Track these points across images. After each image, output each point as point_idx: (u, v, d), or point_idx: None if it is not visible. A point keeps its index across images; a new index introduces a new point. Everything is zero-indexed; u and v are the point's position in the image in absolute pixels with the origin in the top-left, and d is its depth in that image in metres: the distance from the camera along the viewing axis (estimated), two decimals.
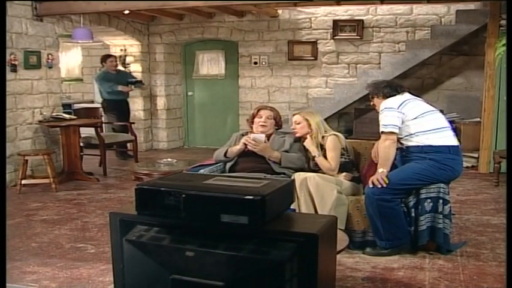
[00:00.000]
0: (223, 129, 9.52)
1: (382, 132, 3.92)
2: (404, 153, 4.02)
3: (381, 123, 3.95)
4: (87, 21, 7.43)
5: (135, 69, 9.06)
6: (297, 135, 4.58)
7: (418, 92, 8.09)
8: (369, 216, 3.98)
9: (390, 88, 4.13)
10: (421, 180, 3.88)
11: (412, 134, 3.92)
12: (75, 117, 6.94)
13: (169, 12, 8.52)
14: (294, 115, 4.66)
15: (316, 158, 4.43)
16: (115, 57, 8.40)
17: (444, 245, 3.99)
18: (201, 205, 2.30)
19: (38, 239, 4.43)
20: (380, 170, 3.91)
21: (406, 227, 3.97)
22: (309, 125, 4.50)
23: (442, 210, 3.91)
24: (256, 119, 4.70)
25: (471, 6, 7.55)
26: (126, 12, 6.91)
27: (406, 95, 4.10)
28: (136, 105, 9.15)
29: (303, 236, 2.25)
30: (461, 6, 7.63)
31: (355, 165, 4.63)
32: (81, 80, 10.15)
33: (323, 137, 4.49)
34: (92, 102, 9.82)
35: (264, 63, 8.86)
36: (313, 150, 4.44)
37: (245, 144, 4.46)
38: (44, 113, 6.68)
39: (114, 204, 5.52)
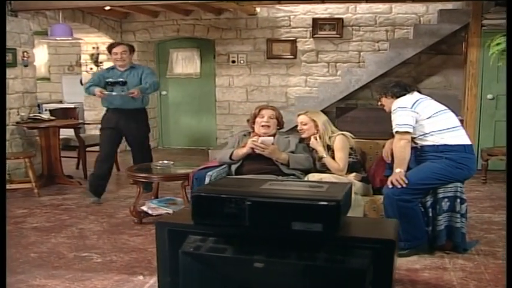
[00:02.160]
0: (198, 129, 9.32)
1: (396, 132, 3.85)
2: (419, 153, 3.97)
3: (394, 123, 3.88)
4: (59, 18, 7.08)
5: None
6: (304, 135, 4.48)
7: None
8: (388, 217, 3.89)
9: (399, 87, 4.08)
10: (440, 179, 3.84)
11: (426, 134, 3.87)
12: (53, 117, 6.59)
13: (144, 9, 8.25)
14: (299, 115, 4.55)
15: (324, 159, 4.33)
16: (123, 45, 5.65)
17: (461, 244, 3.97)
18: (270, 213, 2.15)
19: (36, 248, 4.15)
20: (397, 170, 3.84)
21: (424, 227, 3.93)
22: (316, 126, 4.40)
23: (460, 209, 3.89)
24: (258, 119, 4.55)
25: (449, 6, 7.60)
26: (107, 8, 6.62)
27: (417, 94, 4.05)
28: None
29: (379, 242, 2.13)
30: (440, 5, 7.68)
31: (362, 165, 4.56)
32: (48, 79, 9.71)
33: (330, 137, 4.39)
34: (61, 102, 9.42)
35: (242, 61, 8.71)
36: (321, 151, 4.35)
37: (252, 148, 4.31)
38: (22, 114, 6.32)
39: (106, 209, 5.26)
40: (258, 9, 8.48)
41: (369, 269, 2.07)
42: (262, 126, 4.50)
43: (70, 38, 6.55)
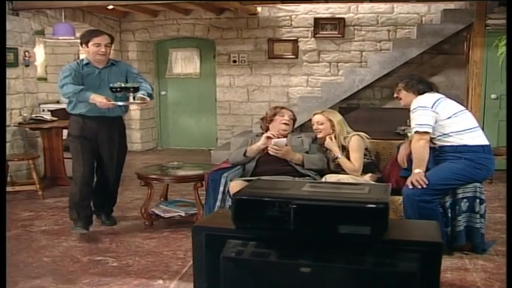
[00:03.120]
0: (197, 130, 9.25)
1: (416, 131, 3.80)
2: (437, 153, 3.93)
3: (414, 122, 3.84)
4: (62, 17, 6.98)
5: None
6: (320, 135, 4.43)
7: None
8: (407, 217, 3.85)
9: (423, 85, 4.04)
10: (459, 180, 3.81)
11: (445, 134, 3.83)
12: (55, 118, 6.47)
13: (143, 8, 8.16)
14: (315, 115, 4.49)
15: (338, 159, 4.28)
16: (106, 35, 4.42)
17: (480, 245, 3.94)
18: (316, 216, 2.09)
19: (48, 252, 4.05)
20: (416, 170, 3.80)
21: (443, 228, 3.88)
22: (332, 126, 4.35)
23: (479, 210, 3.87)
24: (278, 117, 4.50)
25: (451, 5, 7.60)
26: (110, 7, 6.53)
27: (437, 94, 4.01)
28: None
29: (427, 245, 2.08)
30: (442, 5, 7.68)
31: (376, 165, 4.52)
32: (45, 79, 9.57)
33: (345, 137, 4.35)
34: (58, 102, 9.28)
35: (243, 61, 8.64)
36: (336, 151, 4.30)
37: (267, 138, 4.26)
38: (24, 114, 6.21)
39: (115, 212, 5.13)
40: (259, 9, 8.42)
41: (419, 273, 2.02)
42: (284, 123, 4.46)
43: (73, 38, 6.43)
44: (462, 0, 7.24)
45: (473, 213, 3.85)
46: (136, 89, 4.27)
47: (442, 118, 3.82)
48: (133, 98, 4.28)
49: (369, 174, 4.28)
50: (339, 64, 8.36)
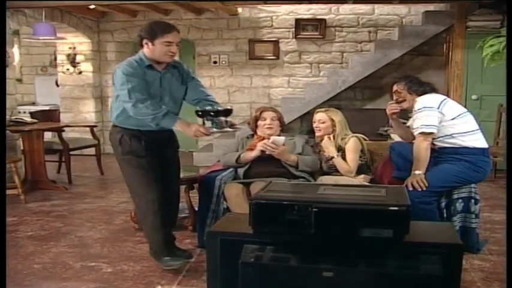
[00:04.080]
0: (177, 131, 9.09)
1: (422, 132, 3.77)
2: (437, 154, 3.92)
3: (419, 122, 3.79)
4: (41, 17, 6.82)
5: (86, 68, 8.49)
6: (319, 134, 4.38)
7: (381, 91, 8.21)
8: None
9: (425, 85, 4.01)
10: (458, 182, 3.82)
11: (448, 135, 3.82)
12: (36, 120, 6.32)
13: (122, 8, 8.04)
14: (317, 113, 4.44)
15: (334, 159, 4.26)
16: (177, 31, 3.48)
17: (476, 245, 3.96)
18: (338, 219, 2.05)
19: (38, 259, 3.93)
20: (417, 172, 3.78)
21: None
22: (333, 125, 4.32)
23: (474, 210, 3.88)
24: (260, 122, 4.44)
25: (431, 7, 7.67)
26: (92, 6, 6.40)
27: (441, 95, 3.99)
28: (87, 107, 8.57)
29: (449, 247, 2.07)
30: (422, 7, 7.75)
31: (369, 166, 4.51)
32: (20, 80, 9.34)
33: (342, 138, 4.33)
34: (34, 104, 9.09)
35: (223, 62, 8.58)
36: (332, 151, 4.27)
37: (262, 150, 4.20)
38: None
39: (101, 216, 5.06)
40: (239, 10, 8.37)
41: (442, 275, 2.00)
42: (267, 128, 4.40)
43: (53, 38, 6.28)
44: (443, 2, 7.30)
45: (469, 214, 3.86)
46: (228, 112, 3.50)
47: (447, 119, 3.80)
48: (226, 124, 3.49)
49: (362, 176, 4.27)
50: (320, 65, 8.37)
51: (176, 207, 3.97)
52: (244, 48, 8.50)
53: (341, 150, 4.29)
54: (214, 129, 3.47)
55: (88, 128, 7.42)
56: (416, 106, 3.86)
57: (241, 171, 4.30)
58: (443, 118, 3.78)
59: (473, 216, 3.87)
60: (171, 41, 3.40)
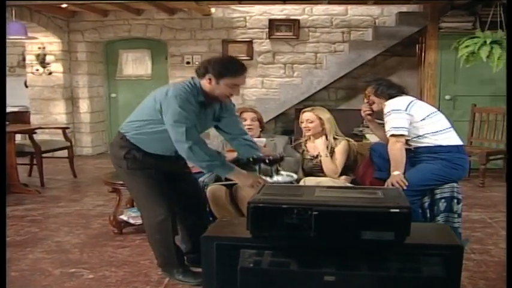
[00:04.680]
0: None
1: (392, 135, 3.81)
2: (413, 154, 3.96)
3: (389, 125, 3.83)
4: (10, 16, 6.63)
5: (56, 69, 8.30)
6: (309, 133, 4.35)
7: (355, 92, 8.25)
8: None
9: (394, 89, 4.05)
10: (438, 180, 3.85)
11: (420, 136, 3.86)
12: (7, 122, 6.13)
13: (93, 7, 7.88)
14: (303, 112, 4.40)
15: (322, 158, 4.24)
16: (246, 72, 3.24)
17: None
18: (338, 222, 2.02)
19: (14, 266, 3.79)
20: (395, 172, 3.80)
21: None
22: (322, 124, 4.30)
23: (457, 209, 3.92)
24: None
25: (403, 8, 7.74)
26: (64, 5, 6.25)
27: (409, 97, 4.04)
28: (58, 109, 8.39)
29: (449, 248, 2.07)
30: (395, 8, 7.82)
31: (351, 168, 4.51)
32: None
33: (334, 138, 4.32)
34: None
35: (197, 63, 8.45)
36: (323, 150, 4.25)
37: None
38: None
39: (77, 220, 4.93)
40: (213, 10, 8.30)
41: (444, 276, 1.99)
42: (247, 129, 4.35)
43: (24, 37, 6.12)
44: (417, 3, 7.37)
45: (451, 213, 3.89)
46: (281, 161, 3.46)
47: (417, 120, 3.84)
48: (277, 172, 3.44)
49: (344, 177, 4.27)
50: (294, 65, 8.36)
51: (198, 223, 3.46)
52: (218, 48, 8.43)
53: (332, 150, 4.28)
54: (269, 180, 3.33)
55: (58, 130, 7.27)
56: (385, 110, 3.91)
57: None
58: (412, 119, 3.82)
59: (456, 215, 3.90)
60: (238, 84, 3.20)
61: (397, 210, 2.00)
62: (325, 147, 4.24)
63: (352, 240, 2.03)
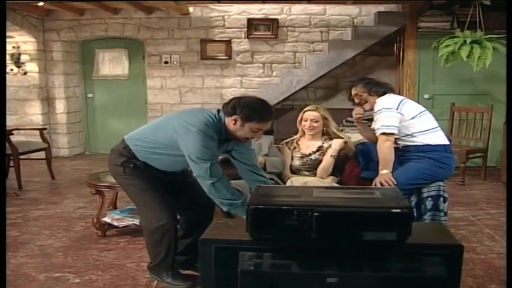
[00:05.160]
0: (127, 133, 8.87)
1: (382, 133, 3.82)
2: (401, 153, 3.98)
3: (379, 123, 3.85)
4: None
5: (31, 69, 8.13)
6: (312, 133, 4.31)
7: (333, 91, 8.29)
8: None
9: (383, 86, 4.09)
10: (425, 179, 3.88)
11: (409, 135, 3.89)
12: None
13: (69, 6, 7.75)
14: (307, 111, 4.33)
15: (326, 157, 4.23)
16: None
17: None
18: (340, 223, 2.01)
19: None
20: (384, 171, 3.82)
21: None
22: (325, 124, 4.29)
23: (443, 208, 3.95)
24: None
25: (381, 8, 7.78)
26: (41, 4, 6.12)
27: (399, 95, 4.07)
28: (34, 109, 8.23)
29: (449, 248, 2.07)
30: (373, 8, 7.87)
31: (338, 168, 4.50)
32: None
33: (332, 138, 4.32)
34: None
35: (175, 62, 8.41)
36: (334, 149, 4.27)
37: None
38: None
39: (59, 223, 4.83)
40: (191, 9, 8.23)
41: (446, 276, 2.00)
42: None
43: None
44: (394, 3, 7.43)
45: (438, 211, 3.92)
46: None
47: (406, 119, 3.86)
48: None
49: (331, 177, 4.26)
50: (273, 65, 8.34)
51: (195, 225, 3.44)
52: (196, 48, 8.37)
53: (321, 150, 4.27)
54: None
55: (33, 131, 7.14)
56: (376, 107, 3.93)
57: None
58: (402, 118, 3.84)
59: (442, 214, 3.93)
60: (262, 129, 3.15)
61: (399, 210, 1.99)
62: (330, 147, 4.23)
63: (353, 241, 2.01)
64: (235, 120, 3.08)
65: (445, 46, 5.84)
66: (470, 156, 6.40)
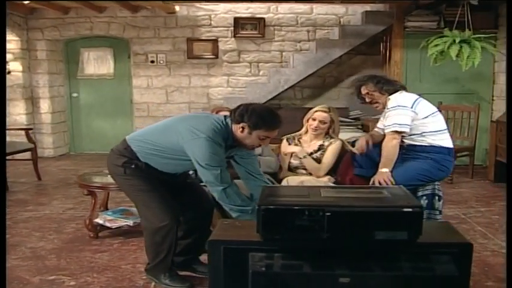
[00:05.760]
0: (113, 133, 8.79)
1: (394, 131, 3.76)
2: (404, 151, 3.94)
3: (392, 120, 3.78)
4: None
5: (15, 68, 8.00)
6: (316, 133, 4.28)
7: (320, 90, 8.31)
8: None
9: (394, 84, 4.03)
10: (422, 180, 3.86)
11: (418, 134, 3.84)
12: None
13: (53, 4, 7.65)
14: (317, 111, 4.25)
15: (303, 159, 4.21)
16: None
17: None
18: (352, 223, 2.00)
19: None
20: (384, 170, 3.78)
21: None
22: (331, 126, 4.27)
23: (438, 206, 3.95)
24: None
25: (367, 7, 7.81)
26: (26, 2, 6.02)
27: (414, 94, 4.00)
28: (18, 109, 8.11)
29: (458, 246, 2.08)
30: (359, 7, 7.90)
31: (334, 168, 4.49)
32: None
33: (331, 137, 4.30)
34: None
35: (161, 61, 8.35)
36: (302, 152, 4.24)
37: None
38: None
39: (49, 224, 4.76)
40: (177, 8, 8.17)
41: (457, 275, 2.00)
42: None
43: None
44: (381, 3, 7.47)
45: (433, 210, 3.91)
46: None
47: (419, 118, 3.80)
48: None
49: (328, 177, 4.25)
50: (260, 64, 8.33)
51: (196, 227, 3.45)
52: (183, 47, 8.32)
53: (322, 148, 4.26)
54: None
55: (18, 131, 7.05)
56: (390, 104, 3.85)
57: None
58: (416, 117, 3.79)
59: (438, 212, 3.93)
60: (270, 137, 3.14)
61: (410, 209, 1.99)
62: (331, 145, 4.24)
63: (365, 241, 2.01)
64: (242, 127, 3.06)
65: (435, 45, 5.87)
66: (458, 154, 6.44)
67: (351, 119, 7.58)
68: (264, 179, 3.38)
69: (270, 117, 3.09)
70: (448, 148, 3.87)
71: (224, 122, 3.14)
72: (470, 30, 5.99)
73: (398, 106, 3.78)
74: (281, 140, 4.46)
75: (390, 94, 3.90)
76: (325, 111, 4.25)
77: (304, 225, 2.02)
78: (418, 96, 3.91)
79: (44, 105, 8.36)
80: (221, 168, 3.00)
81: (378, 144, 3.96)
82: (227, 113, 4.32)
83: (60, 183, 6.49)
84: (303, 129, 4.37)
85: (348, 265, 2.00)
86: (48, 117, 8.40)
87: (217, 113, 4.32)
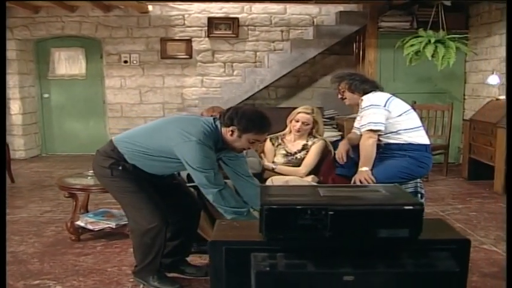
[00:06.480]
0: (85, 134, 8.70)
1: (369, 129, 3.81)
2: (382, 150, 4.00)
3: (366, 120, 3.83)
4: None
5: None
6: (298, 134, 4.31)
7: (294, 90, 8.36)
8: None
9: (368, 84, 4.07)
10: (403, 177, 3.91)
11: (393, 132, 3.89)
12: None
13: (24, 3, 7.50)
14: (300, 113, 4.29)
15: (276, 169, 4.25)
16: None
17: None
18: (355, 221, 2.02)
19: None
20: (364, 168, 3.83)
21: None
22: (314, 128, 4.28)
23: None
24: None
25: (340, 8, 7.89)
26: None
27: (386, 93, 4.06)
28: None
29: (457, 243, 2.12)
30: (333, 8, 7.98)
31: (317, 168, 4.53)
32: None
33: (314, 137, 4.32)
34: None
35: (134, 62, 8.28)
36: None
37: None
38: None
39: (27, 228, 4.67)
40: (150, 7, 8.11)
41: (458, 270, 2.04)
42: None
43: None
44: (354, 3, 7.55)
45: None
46: None
47: (393, 116, 3.85)
48: None
49: (311, 176, 4.28)
50: (234, 64, 8.34)
51: (184, 228, 3.46)
52: (156, 47, 8.27)
53: (306, 149, 4.28)
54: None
55: None
56: (363, 104, 3.91)
57: (184, 174, 4.16)
58: (389, 115, 3.84)
59: None
60: (259, 140, 3.19)
61: (411, 207, 2.02)
62: (314, 144, 4.27)
63: (368, 239, 2.03)
64: (232, 131, 3.05)
65: (410, 45, 5.97)
66: (433, 153, 6.54)
67: (325, 118, 7.63)
68: (253, 181, 3.36)
69: (259, 120, 3.08)
70: (425, 145, 3.93)
71: (214, 125, 3.12)
72: (444, 30, 6.10)
73: (372, 105, 3.83)
74: (265, 140, 4.46)
75: (364, 94, 3.96)
76: (307, 113, 4.28)
77: (307, 224, 2.02)
78: (390, 95, 3.96)
79: (15, 106, 8.19)
80: (214, 170, 3.00)
81: (357, 145, 4.01)
82: (212, 113, 4.35)
83: (34, 186, 6.37)
84: (287, 129, 4.39)
85: (352, 263, 2.01)
86: (19, 119, 8.24)
87: (213, 112, 4.31)
